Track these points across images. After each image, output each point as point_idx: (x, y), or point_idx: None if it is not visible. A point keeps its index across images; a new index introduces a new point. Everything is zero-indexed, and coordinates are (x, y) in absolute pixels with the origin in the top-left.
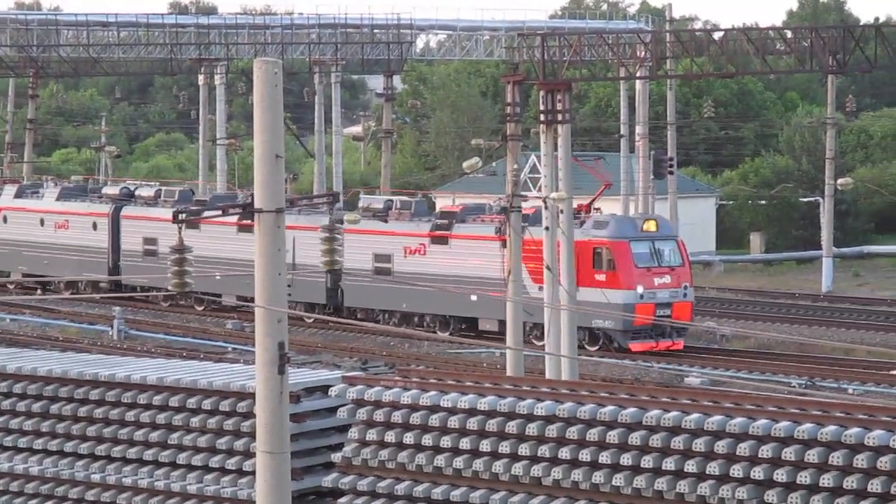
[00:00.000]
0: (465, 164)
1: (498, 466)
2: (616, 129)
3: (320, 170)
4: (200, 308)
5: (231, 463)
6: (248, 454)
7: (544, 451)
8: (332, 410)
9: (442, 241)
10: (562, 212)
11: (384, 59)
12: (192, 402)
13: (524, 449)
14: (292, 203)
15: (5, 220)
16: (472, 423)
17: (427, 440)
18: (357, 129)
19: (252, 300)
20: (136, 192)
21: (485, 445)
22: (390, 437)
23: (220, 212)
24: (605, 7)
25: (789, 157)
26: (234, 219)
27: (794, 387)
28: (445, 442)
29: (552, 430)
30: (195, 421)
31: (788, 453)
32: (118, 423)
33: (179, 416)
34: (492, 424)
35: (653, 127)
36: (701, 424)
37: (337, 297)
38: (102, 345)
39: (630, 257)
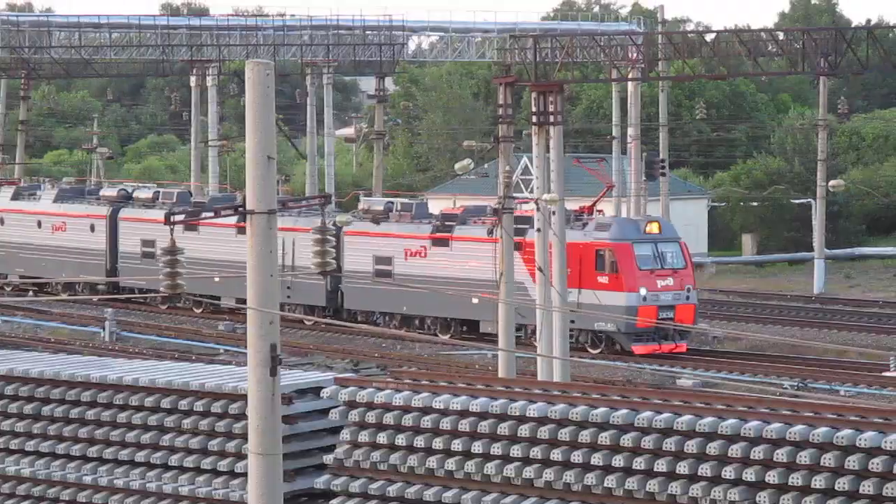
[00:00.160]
0: (457, 166)
1: (490, 468)
2: (608, 131)
3: (312, 171)
4: (199, 311)
5: (223, 464)
6: (240, 456)
7: (536, 452)
8: (324, 412)
9: (443, 243)
10: (554, 213)
11: (376, 61)
12: (183, 404)
13: (516, 450)
14: (284, 205)
15: (2, 222)
16: (464, 425)
17: (419, 442)
18: (349, 131)
19: None
20: (134, 194)
21: (476, 447)
22: (382, 438)
23: (212, 213)
24: (597, 9)
25: (781, 158)
26: (234, 220)
27: (785, 388)
28: (437, 443)
29: (544, 432)
30: (187, 422)
31: (780, 455)
32: (110, 424)
33: (171, 417)
34: (483, 426)
35: (645, 128)
36: (693, 426)
37: (337, 300)
38: (94, 346)
39: (633, 259)
